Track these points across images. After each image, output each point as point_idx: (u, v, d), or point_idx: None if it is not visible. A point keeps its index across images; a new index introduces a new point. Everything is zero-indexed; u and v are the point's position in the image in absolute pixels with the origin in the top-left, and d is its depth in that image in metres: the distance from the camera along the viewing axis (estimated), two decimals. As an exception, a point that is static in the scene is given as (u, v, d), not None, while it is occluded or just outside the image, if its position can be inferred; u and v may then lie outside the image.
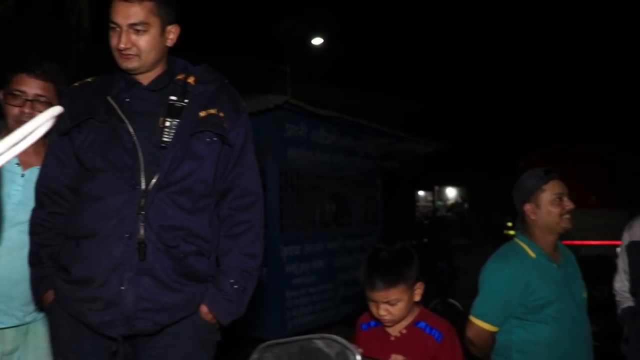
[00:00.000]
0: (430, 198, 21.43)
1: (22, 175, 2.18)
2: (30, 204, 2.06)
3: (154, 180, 1.87)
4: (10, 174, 2.17)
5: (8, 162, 2.05)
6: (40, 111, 2.08)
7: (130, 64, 1.92)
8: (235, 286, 1.97)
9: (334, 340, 1.28)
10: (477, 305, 2.35)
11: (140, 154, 1.88)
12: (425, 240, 7.37)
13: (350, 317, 6.24)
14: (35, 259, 2.00)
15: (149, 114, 1.95)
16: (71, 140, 1.98)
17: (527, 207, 2.41)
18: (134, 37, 1.89)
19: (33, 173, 2.15)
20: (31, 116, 2.11)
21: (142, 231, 1.85)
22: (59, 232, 2.00)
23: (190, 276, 1.94)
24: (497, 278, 2.35)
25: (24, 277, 2.06)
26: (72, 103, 1.99)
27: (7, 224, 2.13)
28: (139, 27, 1.88)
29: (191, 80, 2.01)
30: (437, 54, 17.69)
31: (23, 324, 2.14)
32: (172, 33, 1.99)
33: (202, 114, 1.95)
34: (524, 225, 2.48)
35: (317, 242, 6.13)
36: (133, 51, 1.90)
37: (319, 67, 13.85)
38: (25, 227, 2.06)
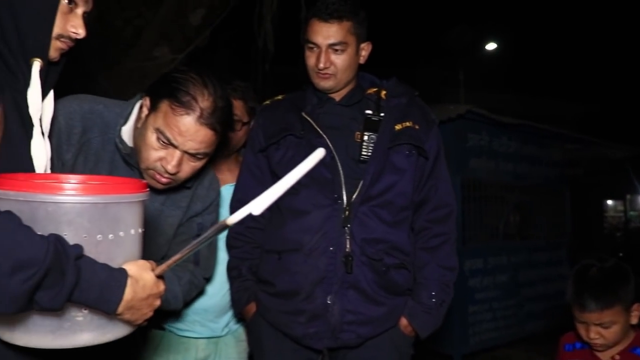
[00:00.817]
0: (620, 207, 19.56)
1: None
2: (223, 218, 2.16)
3: (355, 194, 1.89)
4: None
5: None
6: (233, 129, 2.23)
7: (327, 84, 1.97)
8: (434, 299, 1.94)
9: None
10: None
11: (340, 168, 1.91)
12: (620, 254, 6.74)
13: (535, 335, 5.91)
14: (235, 272, 2.08)
15: (343, 128, 1.98)
16: (268, 157, 2.05)
17: None
18: (332, 56, 1.94)
19: (227, 190, 2.21)
20: None
21: (347, 244, 1.87)
22: (257, 246, 2.08)
23: (391, 289, 1.94)
24: None
25: (217, 291, 2.16)
26: (266, 120, 2.08)
27: None
28: (337, 47, 1.93)
29: (383, 94, 2.03)
30: (616, 50, 16.21)
31: (216, 337, 2.22)
32: (365, 50, 2.03)
33: (398, 127, 1.96)
34: None
35: (500, 255, 5.84)
36: (330, 70, 1.94)
37: (491, 73, 13.36)
38: (221, 244, 2.15)
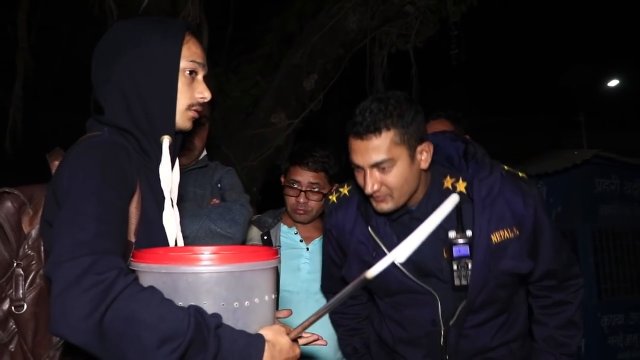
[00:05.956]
0: None
1: (307, 249, 2.42)
2: (318, 273, 2.24)
3: (453, 320, 1.78)
4: (297, 250, 2.42)
5: (293, 239, 2.39)
6: (314, 200, 2.36)
7: (385, 206, 1.67)
8: None
9: None
10: None
11: (434, 293, 1.77)
12: None
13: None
14: (350, 349, 2.10)
15: (422, 247, 1.87)
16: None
17: None
18: (380, 176, 1.62)
19: (315, 245, 2.41)
20: (305, 205, 2.37)
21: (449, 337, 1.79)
22: (363, 318, 2.08)
23: None
24: None
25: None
26: (337, 233, 1.95)
27: (302, 296, 2.35)
28: (383, 165, 1.60)
29: (464, 188, 1.72)
30: None
31: None
32: (425, 152, 1.66)
33: (495, 239, 1.73)
34: None
35: (643, 309, 5.35)
36: (383, 191, 1.64)
37: (615, 111, 12.61)
38: (320, 297, 2.27)
